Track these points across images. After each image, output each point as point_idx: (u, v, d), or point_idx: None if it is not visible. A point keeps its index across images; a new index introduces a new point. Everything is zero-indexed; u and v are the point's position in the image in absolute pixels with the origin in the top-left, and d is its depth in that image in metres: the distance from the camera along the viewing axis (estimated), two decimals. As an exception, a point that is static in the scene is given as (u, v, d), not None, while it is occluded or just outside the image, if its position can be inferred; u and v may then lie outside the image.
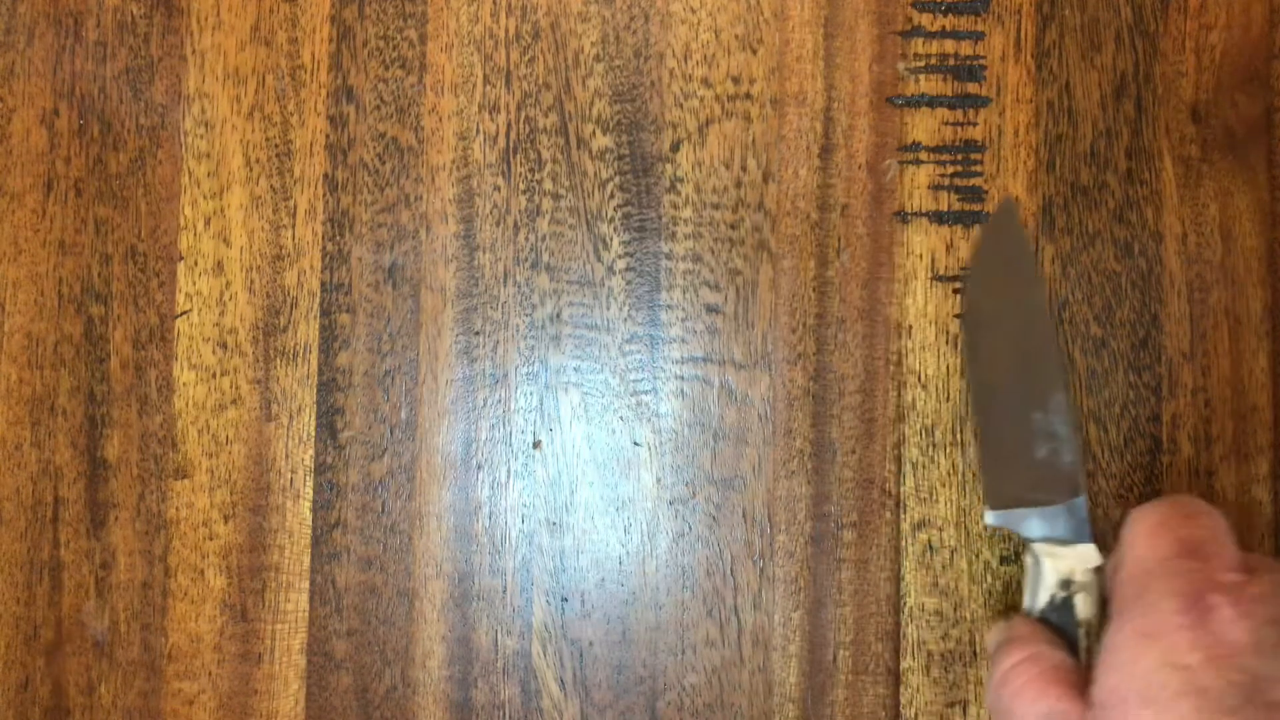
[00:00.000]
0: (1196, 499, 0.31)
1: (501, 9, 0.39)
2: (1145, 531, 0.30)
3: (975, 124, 0.39)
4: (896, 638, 0.38)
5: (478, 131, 0.39)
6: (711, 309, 0.39)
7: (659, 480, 0.38)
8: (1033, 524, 0.34)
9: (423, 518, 0.39)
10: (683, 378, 0.39)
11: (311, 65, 0.40)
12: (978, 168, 0.39)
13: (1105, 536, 0.36)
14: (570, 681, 0.38)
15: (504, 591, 0.38)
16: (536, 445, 0.39)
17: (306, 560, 0.38)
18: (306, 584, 0.38)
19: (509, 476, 0.39)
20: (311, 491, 0.39)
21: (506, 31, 0.39)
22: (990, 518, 0.35)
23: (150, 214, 0.40)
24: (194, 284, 0.39)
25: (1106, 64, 0.39)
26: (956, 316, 0.38)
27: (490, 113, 0.39)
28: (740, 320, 0.39)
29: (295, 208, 0.39)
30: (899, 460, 0.38)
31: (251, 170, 0.39)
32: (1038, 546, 0.34)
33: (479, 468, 0.39)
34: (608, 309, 0.39)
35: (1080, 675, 0.30)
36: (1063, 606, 0.33)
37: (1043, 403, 0.35)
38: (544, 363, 0.39)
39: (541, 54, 0.39)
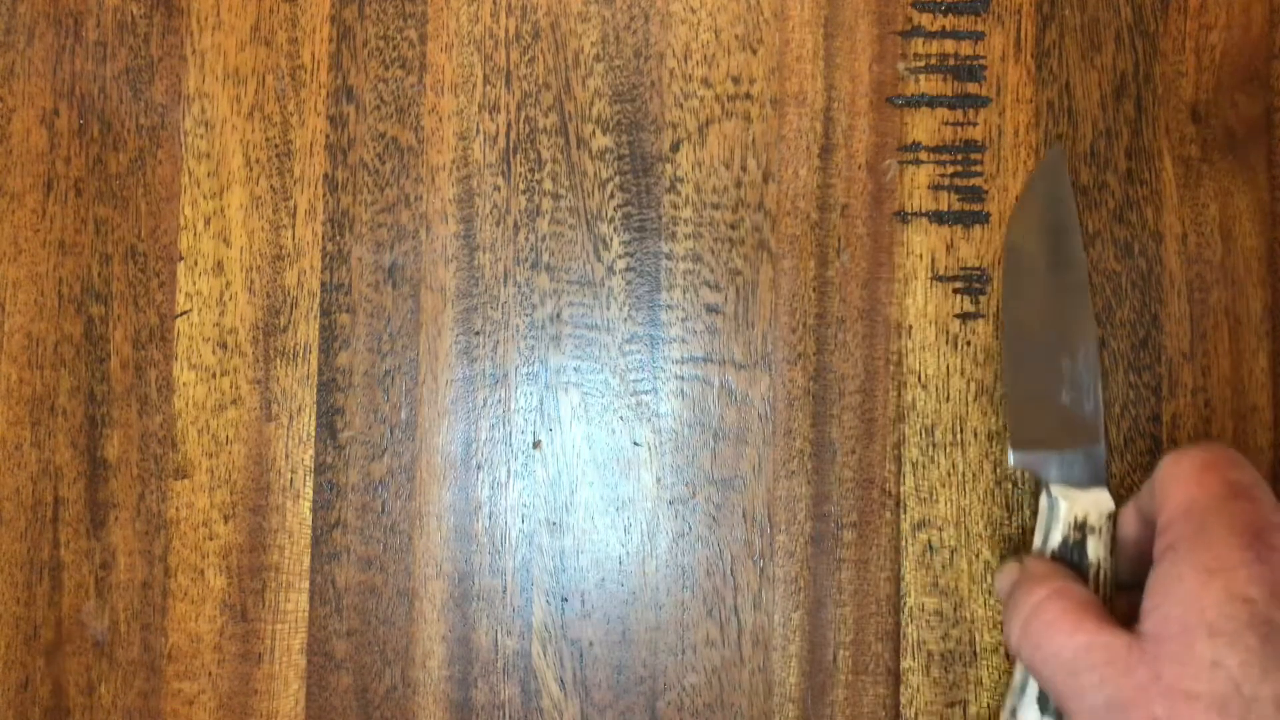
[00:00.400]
0: (1229, 447, 0.31)
1: (501, 9, 0.39)
2: (1194, 473, 0.30)
3: (975, 124, 0.39)
4: (896, 638, 0.38)
5: (478, 131, 0.39)
6: (711, 309, 0.39)
7: (659, 480, 0.38)
8: (1052, 467, 0.35)
9: (423, 518, 0.39)
10: (683, 378, 0.39)
11: (311, 65, 0.40)
12: (978, 168, 0.39)
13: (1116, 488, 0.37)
14: (570, 681, 0.38)
15: (504, 591, 0.38)
16: (536, 445, 0.39)
17: (306, 560, 0.38)
18: (306, 584, 0.38)
19: (509, 476, 0.39)
20: (311, 491, 0.39)
21: (506, 31, 0.39)
22: (1014, 458, 0.36)
23: (150, 214, 0.40)
24: (194, 284, 0.39)
25: (1106, 64, 0.39)
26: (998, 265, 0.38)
27: (490, 113, 0.39)
28: (740, 320, 0.39)
29: (295, 208, 0.39)
30: (899, 460, 0.38)
31: (251, 170, 0.39)
32: (1055, 489, 0.34)
33: (479, 468, 0.39)
34: (608, 309, 0.39)
35: (1107, 611, 0.31)
36: (1075, 548, 0.33)
37: (1072, 351, 0.36)
38: (544, 363, 0.39)
39: (541, 54, 0.39)
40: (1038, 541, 0.35)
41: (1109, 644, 0.29)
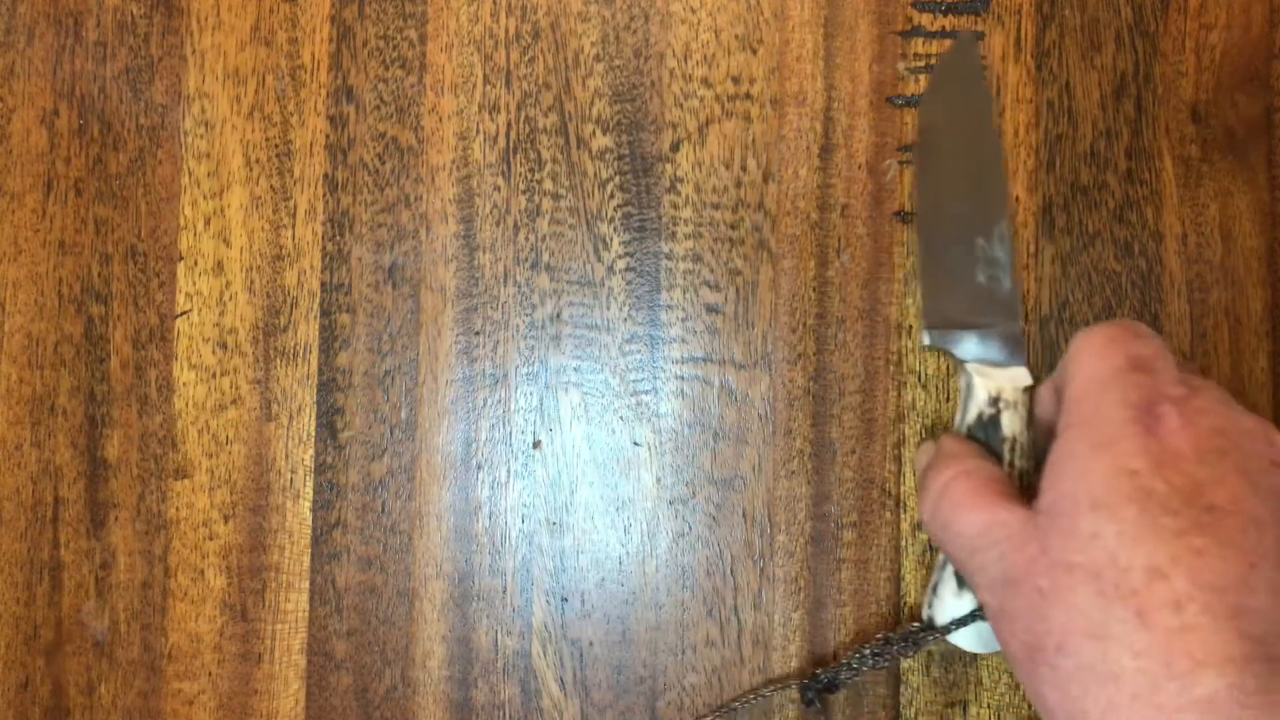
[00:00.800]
0: (1139, 322, 0.31)
1: (501, 9, 0.39)
2: (1095, 348, 0.30)
3: (975, 124, 0.39)
4: (896, 638, 0.38)
5: (478, 131, 0.39)
6: (711, 309, 0.39)
7: (659, 480, 0.38)
8: (968, 345, 0.35)
9: (423, 518, 0.39)
10: (683, 378, 0.39)
11: (311, 65, 0.40)
12: (978, 168, 0.39)
13: (1038, 366, 0.37)
14: (570, 681, 0.38)
15: (504, 591, 0.38)
16: (536, 445, 0.39)
17: (306, 560, 0.39)
18: (306, 584, 0.38)
19: (509, 476, 0.39)
20: (311, 491, 0.39)
21: (506, 31, 0.39)
22: (927, 338, 0.36)
23: (150, 214, 0.40)
24: (194, 284, 0.39)
25: (1106, 64, 0.39)
26: (902, 149, 0.38)
27: (490, 113, 0.39)
28: (740, 320, 0.39)
29: (295, 208, 0.39)
30: (899, 460, 0.38)
31: (251, 170, 0.39)
32: (970, 366, 0.35)
33: (479, 468, 0.39)
34: (608, 309, 0.39)
35: (1014, 489, 0.31)
36: (990, 424, 0.34)
37: (986, 230, 0.36)
38: (544, 363, 0.39)
39: (541, 54, 0.39)
40: (957, 420, 0.35)
41: (1007, 521, 0.29)
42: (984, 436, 0.34)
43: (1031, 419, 0.34)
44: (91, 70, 0.40)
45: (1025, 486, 0.34)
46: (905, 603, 0.38)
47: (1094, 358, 0.30)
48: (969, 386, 0.35)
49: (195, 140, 0.40)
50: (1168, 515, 0.26)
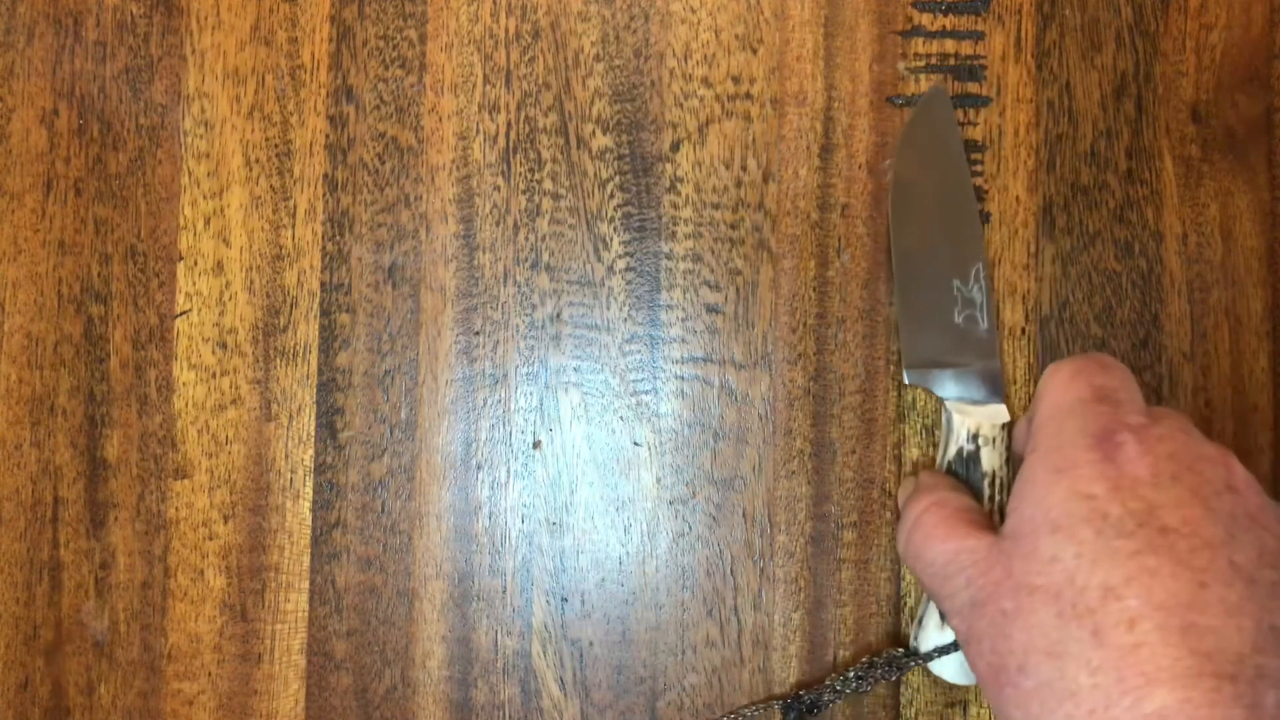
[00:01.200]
0: (1108, 355, 0.32)
1: (501, 9, 0.39)
2: (1062, 379, 0.31)
3: (975, 124, 0.39)
4: (896, 638, 0.38)
5: (478, 131, 0.39)
6: (711, 309, 0.39)
7: (659, 480, 0.38)
8: (948, 384, 0.37)
9: (423, 518, 0.39)
10: (683, 378, 0.39)
11: (311, 65, 0.40)
12: (978, 167, 0.39)
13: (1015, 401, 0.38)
14: (570, 681, 0.38)
15: (504, 591, 0.38)
16: (536, 445, 0.39)
17: (306, 560, 0.38)
18: (306, 584, 0.38)
19: (509, 476, 0.39)
20: (311, 491, 0.39)
21: (506, 31, 0.39)
22: (907, 376, 0.37)
23: (150, 214, 0.40)
24: (194, 284, 0.39)
25: (1107, 64, 0.39)
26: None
27: (490, 112, 0.39)
28: (740, 320, 0.39)
29: (295, 208, 0.39)
30: (899, 460, 0.38)
31: (251, 170, 0.39)
32: (950, 404, 0.36)
33: (479, 468, 0.39)
34: (608, 309, 0.39)
35: (986, 518, 0.32)
36: (970, 459, 0.35)
37: (963, 272, 0.37)
38: (544, 363, 0.39)
39: (541, 54, 0.39)
40: (939, 457, 0.37)
41: (974, 548, 0.30)
42: (965, 472, 0.35)
43: (1009, 454, 0.35)
44: (91, 70, 0.40)
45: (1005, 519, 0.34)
46: (905, 603, 0.38)
47: (1060, 388, 0.31)
48: (949, 424, 0.36)
49: (195, 140, 0.40)
50: (1122, 538, 0.27)
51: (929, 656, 0.35)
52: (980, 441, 0.35)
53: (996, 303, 0.38)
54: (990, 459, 0.35)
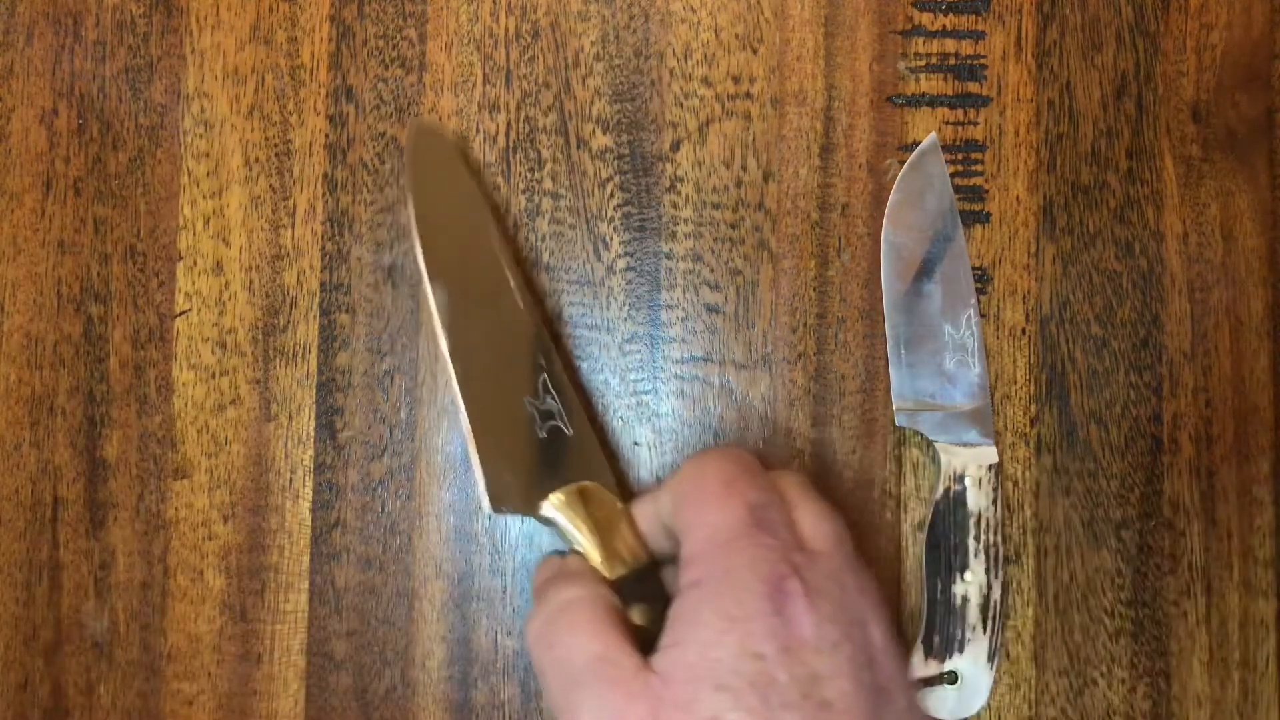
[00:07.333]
0: (736, 447, 0.32)
1: (501, 8, 0.39)
2: (714, 495, 0.30)
3: (976, 123, 0.39)
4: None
5: (477, 131, 0.39)
6: (711, 309, 0.39)
7: (659, 480, 0.38)
8: (938, 425, 0.37)
9: (423, 518, 0.39)
10: (683, 378, 0.38)
11: (311, 65, 0.40)
12: (978, 167, 0.39)
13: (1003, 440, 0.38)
14: (570, 682, 0.38)
15: (504, 591, 0.38)
16: (536, 445, 0.38)
17: (306, 560, 0.38)
18: (306, 584, 0.38)
19: (509, 476, 0.38)
20: (311, 491, 0.39)
21: (506, 31, 0.39)
22: (899, 418, 0.37)
23: (149, 214, 0.40)
24: (193, 284, 0.39)
25: (1107, 63, 0.39)
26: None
27: (490, 112, 0.39)
28: (740, 320, 0.39)
29: (295, 207, 0.39)
30: (899, 460, 0.38)
31: (251, 170, 0.39)
32: (939, 445, 0.37)
33: (479, 468, 0.39)
34: (608, 309, 0.39)
35: (630, 629, 0.30)
36: (957, 500, 0.36)
37: (954, 319, 0.37)
38: (544, 363, 0.39)
39: (541, 53, 0.39)
40: (926, 497, 0.37)
41: (620, 664, 0.28)
42: (951, 512, 0.36)
43: (998, 496, 0.36)
44: (91, 70, 0.40)
45: (992, 561, 0.36)
46: (905, 603, 0.38)
47: (715, 506, 0.30)
48: (937, 464, 0.37)
49: (194, 140, 0.40)
50: (787, 709, 0.26)
51: (916, 688, 0.35)
52: (967, 483, 0.36)
53: (987, 346, 0.38)
54: (977, 500, 0.36)
